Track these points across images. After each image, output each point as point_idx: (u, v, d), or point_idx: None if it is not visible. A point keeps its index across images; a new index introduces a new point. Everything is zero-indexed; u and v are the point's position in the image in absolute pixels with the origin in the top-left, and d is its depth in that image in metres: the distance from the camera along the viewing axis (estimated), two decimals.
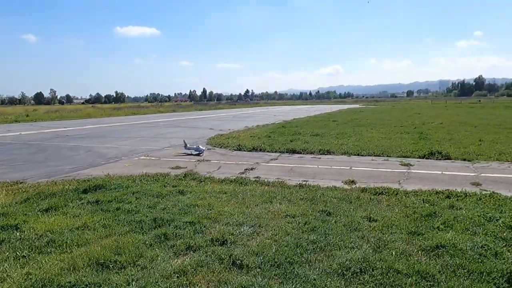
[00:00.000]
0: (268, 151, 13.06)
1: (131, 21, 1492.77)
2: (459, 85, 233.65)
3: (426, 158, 11.16)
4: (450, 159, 10.97)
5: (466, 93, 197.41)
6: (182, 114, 49.56)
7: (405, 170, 9.45)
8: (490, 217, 5.38)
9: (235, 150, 13.60)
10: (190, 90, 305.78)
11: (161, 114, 50.92)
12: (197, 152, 12.44)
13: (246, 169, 9.90)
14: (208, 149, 14.09)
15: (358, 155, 11.95)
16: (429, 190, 7.16)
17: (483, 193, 6.93)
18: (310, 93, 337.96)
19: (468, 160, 10.63)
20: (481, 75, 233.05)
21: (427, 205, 6.14)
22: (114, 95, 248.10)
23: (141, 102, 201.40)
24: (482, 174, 8.79)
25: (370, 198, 6.67)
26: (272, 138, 16.36)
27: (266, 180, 8.31)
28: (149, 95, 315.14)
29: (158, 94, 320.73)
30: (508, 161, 10.40)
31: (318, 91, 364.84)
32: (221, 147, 14.34)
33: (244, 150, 13.40)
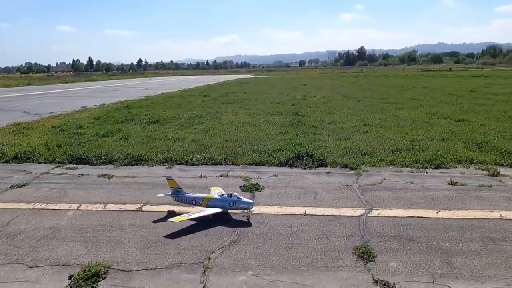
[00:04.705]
0: (38, 161, 7.48)
1: None
2: (344, 55, 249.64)
3: (290, 166, 6.90)
4: (326, 165, 6.88)
5: (350, 62, 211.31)
6: (30, 88, 39.41)
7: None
8: None
9: None
10: (74, 59, 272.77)
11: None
12: (225, 209, 4.60)
13: None
14: None
15: (186, 163, 7.18)
16: None
17: None
18: (207, 63, 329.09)
19: (351, 168, 6.65)
20: (363, 46, 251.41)
21: None
22: None
23: (11, 74, 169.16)
24: (373, 212, 4.68)
25: None
26: (83, 129, 10.68)
27: None
28: (23, 65, 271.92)
29: (36, 64, 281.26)
30: (407, 166, 6.69)
31: (215, 61, 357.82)
32: None
33: None
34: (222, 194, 4.78)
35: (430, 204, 4.91)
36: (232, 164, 7.11)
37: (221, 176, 6.37)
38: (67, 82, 56.30)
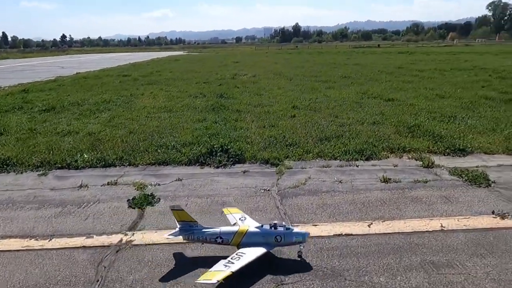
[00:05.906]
0: None
1: None
2: (280, 32, 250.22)
3: (201, 164, 5.69)
4: (244, 161, 5.78)
5: (286, 39, 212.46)
6: None
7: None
8: None
9: None
10: None
11: None
12: (270, 247, 3.14)
13: None
14: None
15: (68, 167, 5.63)
16: None
17: None
18: (139, 39, 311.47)
19: (273, 164, 5.61)
20: (298, 23, 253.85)
21: None
22: None
23: None
24: (299, 224, 3.66)
25: None
26: None
27: None
28: None
29: None
30: (335, 159, 5.82)
31: (148, 37, 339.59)
32: None
33: None
34: (262, 225, 3.21)
35: (360, 213, 4.01)
36: (130, 165, 5.73)
37: (108, 184, 4.97)
38: None
